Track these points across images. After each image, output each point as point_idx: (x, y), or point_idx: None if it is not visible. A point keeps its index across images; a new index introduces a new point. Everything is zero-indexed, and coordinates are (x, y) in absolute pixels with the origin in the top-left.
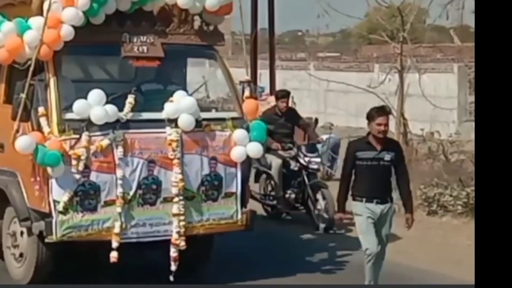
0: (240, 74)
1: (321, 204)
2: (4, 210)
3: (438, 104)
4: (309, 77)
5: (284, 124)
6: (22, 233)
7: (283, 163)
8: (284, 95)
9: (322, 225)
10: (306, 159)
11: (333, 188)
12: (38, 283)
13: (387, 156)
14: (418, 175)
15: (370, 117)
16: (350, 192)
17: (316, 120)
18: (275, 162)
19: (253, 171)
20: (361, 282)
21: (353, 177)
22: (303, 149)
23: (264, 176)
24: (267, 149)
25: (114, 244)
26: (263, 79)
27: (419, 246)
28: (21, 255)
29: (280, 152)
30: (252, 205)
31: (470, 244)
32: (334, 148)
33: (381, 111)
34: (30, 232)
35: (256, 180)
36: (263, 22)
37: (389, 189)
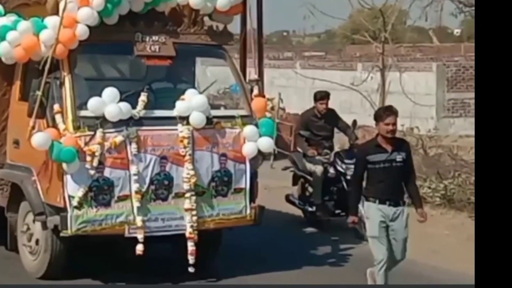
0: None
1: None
2: (19, 205)
3: (417, 101)
4: (295, 75)
5: (323, 126)
6: (36, 227)
7: (323, 169)
8: (323, 96)
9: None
10: (344, 166)
11: None
12: (52, 275)
13: (399, 157)
14: None
15: (378, 117)
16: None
17: (355, 122)
18: (318, 169)
19: (290, 175)
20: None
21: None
22: (341, 155)
23: (302, 180)
24: (304, 155)
25: (140, 237)
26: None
27: None
28: (35, 248)
29: (319, 157)
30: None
31: (448, 234)
32: None
33: (389, 110)
34: (44, 226)
35: (294, 183)
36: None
37: (402, 191)
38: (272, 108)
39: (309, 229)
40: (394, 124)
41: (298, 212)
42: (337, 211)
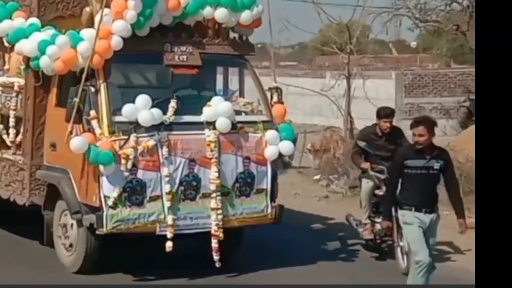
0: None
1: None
2: (54, 203)
3: (379, 105)
4: (272, 82)
5: (384, 145)
6: (72, 224)
7: (374, 186)
8: (388, 114)
9: (403, 264)
10: None
11: None
12: (86, 270)
13: (436, 165)
14: None
15: (410, 126)
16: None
17: None
18: (365, 184)
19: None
20: None
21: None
22: None
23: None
24: (362, 173)
25: (169, 235)
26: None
27: None
28: (70, 245)
29: (371, 173)
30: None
31: None
32: None
33: (415, 122)
34: (80, 224)
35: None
36: None
37: (437, 198)
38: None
39: (318, 226)
40: (421, 135)
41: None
42: (386, 238)
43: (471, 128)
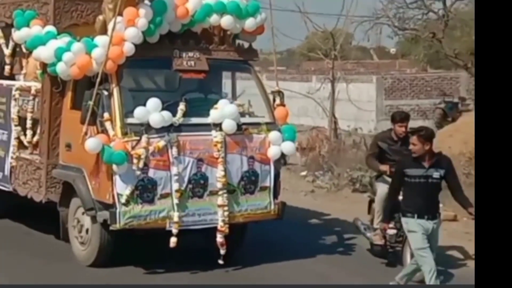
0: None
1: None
2: (69, 200)
3: (361, 107)
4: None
5: (399, 150)
6: (86, 220)
7: None
8: (403, 118)
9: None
10: None
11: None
12: (100, 263)
13: (436, 174)
14: (345, 161)
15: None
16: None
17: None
18: (380, 189)
19: (367, 200)
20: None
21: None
22: None
23: (373, 205)
24: (376, 177)
25: (174, 231)
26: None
27: (345, 216)
28: (85, 239)
29: (388, 178)
30: None
31: None
32: None
33: (411, 131)
34: (94, 220)
35: (369, 211)
36: None
37: (438, 205)
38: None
39: (315, 221)
40: (414, 144)
41: (312, 207)
42: (395, 244)
43: (446, 128)
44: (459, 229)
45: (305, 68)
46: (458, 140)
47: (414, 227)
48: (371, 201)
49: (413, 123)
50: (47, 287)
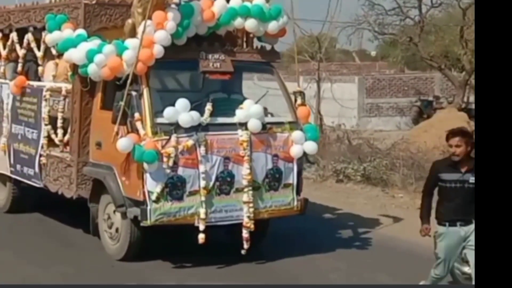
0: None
1: (465, 269)
2: (99, 197)
3: (344, 105)
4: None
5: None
6: (116, 216)
7: None
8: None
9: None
10: None
11: None
12: (130, 258)
13: (472, 178)
14: (330, 154)
15: (446, 138)
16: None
17: None
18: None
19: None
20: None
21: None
22: None
23: None
24: None
25: (201, 227)
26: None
27: (329, 203)
28: (115, 235)
29: None
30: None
31: (366, 203)
32: None
33: (451, 133)
34: (124, 216)
35: None
36: None
37: (473, 210)
38: None
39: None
40: (458, 146)
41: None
42: None
43: (422, 124)
44: None
45: (293, 69)
46: (432, 135)
47: (442, 236)
48: None
49: (391, 119)
50: (47, 287)
